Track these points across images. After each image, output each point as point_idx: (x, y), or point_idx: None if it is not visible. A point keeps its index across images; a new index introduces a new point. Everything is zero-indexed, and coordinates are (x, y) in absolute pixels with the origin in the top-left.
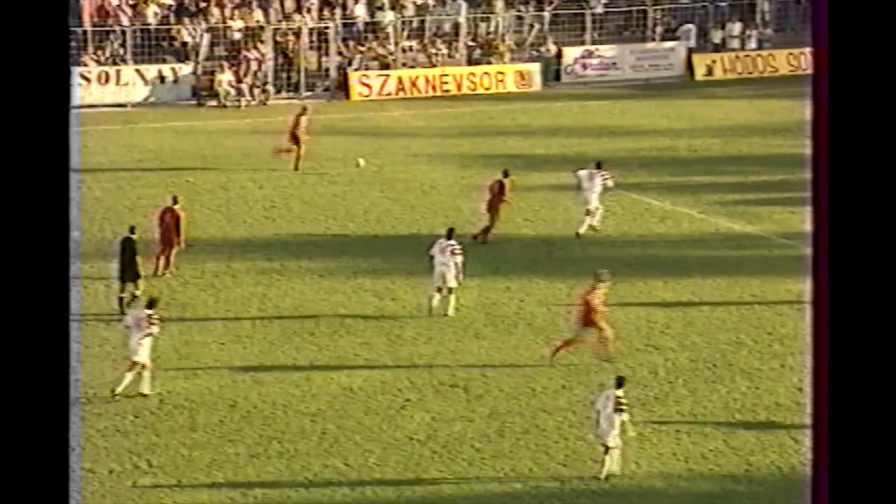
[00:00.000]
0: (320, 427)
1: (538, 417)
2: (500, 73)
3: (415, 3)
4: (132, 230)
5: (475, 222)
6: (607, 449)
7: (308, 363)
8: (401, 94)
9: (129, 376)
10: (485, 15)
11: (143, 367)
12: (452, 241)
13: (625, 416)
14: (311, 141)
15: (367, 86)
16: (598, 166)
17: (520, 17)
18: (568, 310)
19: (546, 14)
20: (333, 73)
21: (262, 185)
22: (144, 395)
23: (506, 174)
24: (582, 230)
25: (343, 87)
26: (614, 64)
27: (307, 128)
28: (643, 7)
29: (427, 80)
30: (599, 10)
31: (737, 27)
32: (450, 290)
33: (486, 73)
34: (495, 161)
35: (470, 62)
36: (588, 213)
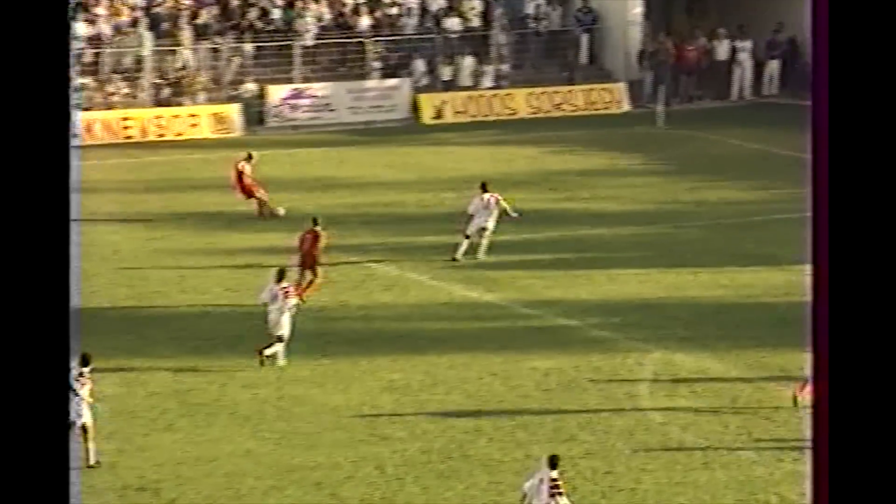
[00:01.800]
0: None
1: None
2: (194, 115)
3: (87, 34)
4: None
5: (165, 292)
6: None
7: None
8: (73, 142)
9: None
10: (173, 47)
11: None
12: (285, 285)
13: (564, 501)
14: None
15: None
16: (485, 188)
17: (216, 51)
18: (278, 394)
19: (247, 47)
20: None
21: None
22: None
23: (315, 222)
24: (481, 256)
25: None
26: (328, 105)
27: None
28: (361, 39)
29: (105, 125)
30: (310, 42)
31: (469, 62)
32: (280, 339)
33: (176, 115)
34: (189, 221)
35: (157, 103)
36: (482, 234)
